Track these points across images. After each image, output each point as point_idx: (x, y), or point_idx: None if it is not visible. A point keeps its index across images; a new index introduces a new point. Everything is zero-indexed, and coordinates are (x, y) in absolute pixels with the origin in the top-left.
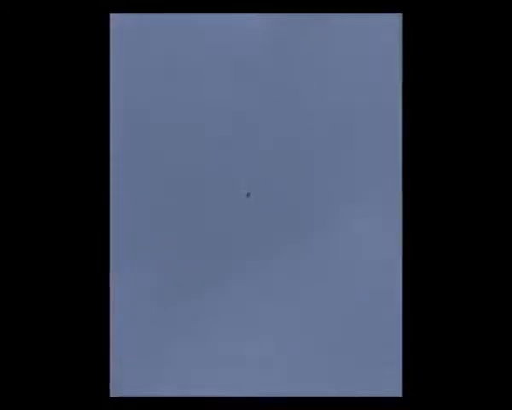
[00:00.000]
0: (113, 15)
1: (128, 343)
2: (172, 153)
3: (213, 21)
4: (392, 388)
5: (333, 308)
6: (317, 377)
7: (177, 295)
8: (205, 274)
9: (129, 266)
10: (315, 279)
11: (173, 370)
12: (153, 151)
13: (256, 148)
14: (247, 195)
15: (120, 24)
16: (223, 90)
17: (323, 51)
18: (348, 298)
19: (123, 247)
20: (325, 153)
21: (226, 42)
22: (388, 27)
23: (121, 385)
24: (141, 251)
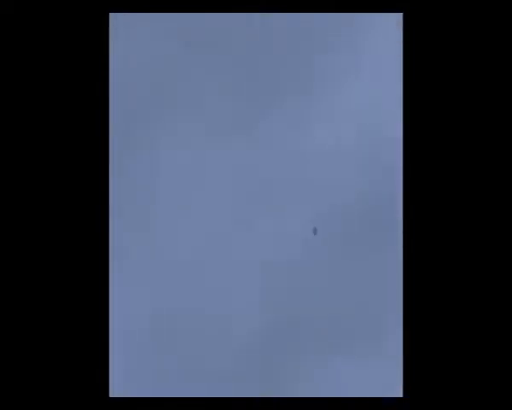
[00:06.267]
0: (112, 15)
1: (128, 345)
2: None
3: (213, 21)
4: (393, 388)
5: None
6: (318, 378)
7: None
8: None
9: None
10: None
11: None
12: (151, 150)
13: None
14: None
15: (119, 23)
16: (222, 89)
17: (326, 49)
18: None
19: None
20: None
21: (226, 41)
22: (389, 26)
23: (121, 385)
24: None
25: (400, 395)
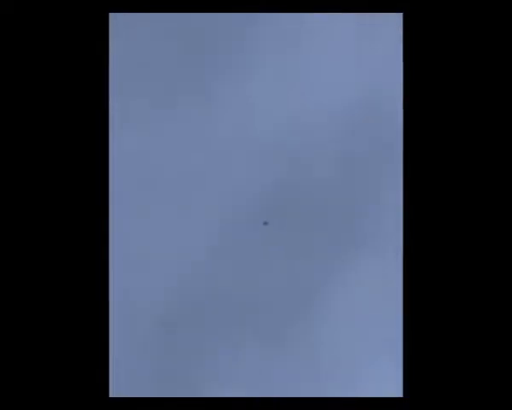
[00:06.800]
0: (112, 15)
1: (128, 345)
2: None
3: (213, 21)
4: (393, 388)
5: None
6: (318, 377)
7: None
8: None
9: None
10: None
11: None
12: (150, 151)
13: None
14: (265, 223)
15: (119, 23)
16: (221, 89)
17: (326, 49)
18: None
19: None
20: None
21: (226, 42)
22: (390, 26)
23: (121, 385)
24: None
25: (400, 395)
